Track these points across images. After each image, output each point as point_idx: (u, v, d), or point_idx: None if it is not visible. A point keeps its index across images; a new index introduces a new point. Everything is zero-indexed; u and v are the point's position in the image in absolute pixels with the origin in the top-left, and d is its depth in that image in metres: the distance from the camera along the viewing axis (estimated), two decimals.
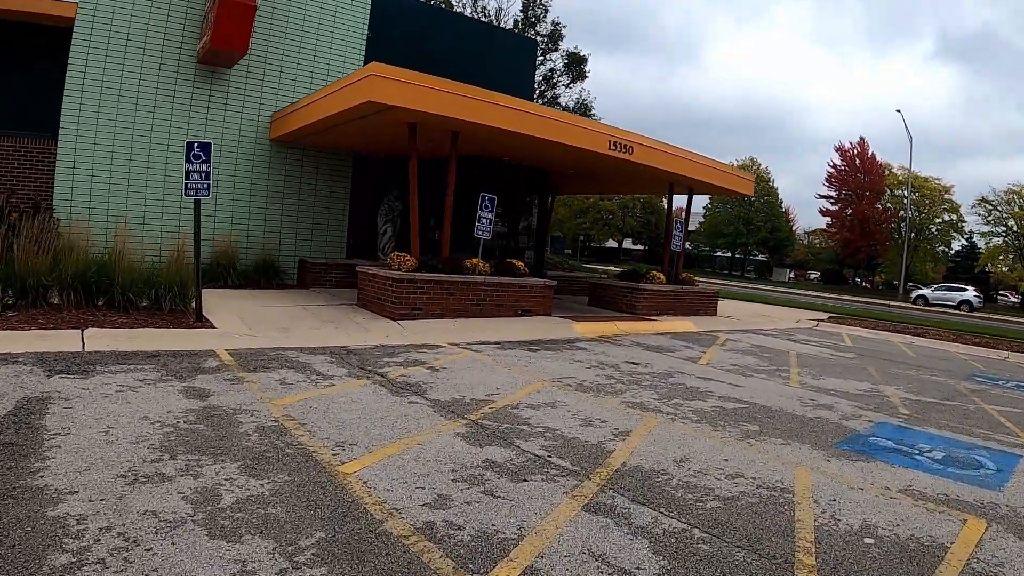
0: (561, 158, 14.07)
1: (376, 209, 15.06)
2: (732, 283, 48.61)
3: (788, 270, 74.08)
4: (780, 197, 69.00)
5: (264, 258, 13.29)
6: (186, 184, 8.39)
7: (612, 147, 12.84)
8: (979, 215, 53.57)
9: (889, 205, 61.62)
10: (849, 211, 62.40)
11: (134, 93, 12.24)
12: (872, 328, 18.41)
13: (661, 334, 12.88)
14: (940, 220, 59.51)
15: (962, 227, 57.95)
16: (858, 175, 63.23)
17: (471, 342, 9.50)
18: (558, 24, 34.55)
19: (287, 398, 5.67)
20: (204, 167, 8.41)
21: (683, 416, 6.33)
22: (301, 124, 11.87)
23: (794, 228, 74.19)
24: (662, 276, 15.89)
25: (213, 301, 10.16)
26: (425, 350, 8.54)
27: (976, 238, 58.14)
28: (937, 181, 57.66)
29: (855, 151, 64.09)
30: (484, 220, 11.48)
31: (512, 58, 18.65)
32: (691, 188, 17.10)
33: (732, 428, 6.03)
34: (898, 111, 66.93)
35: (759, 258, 74.95)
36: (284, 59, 13.71)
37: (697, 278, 21.75)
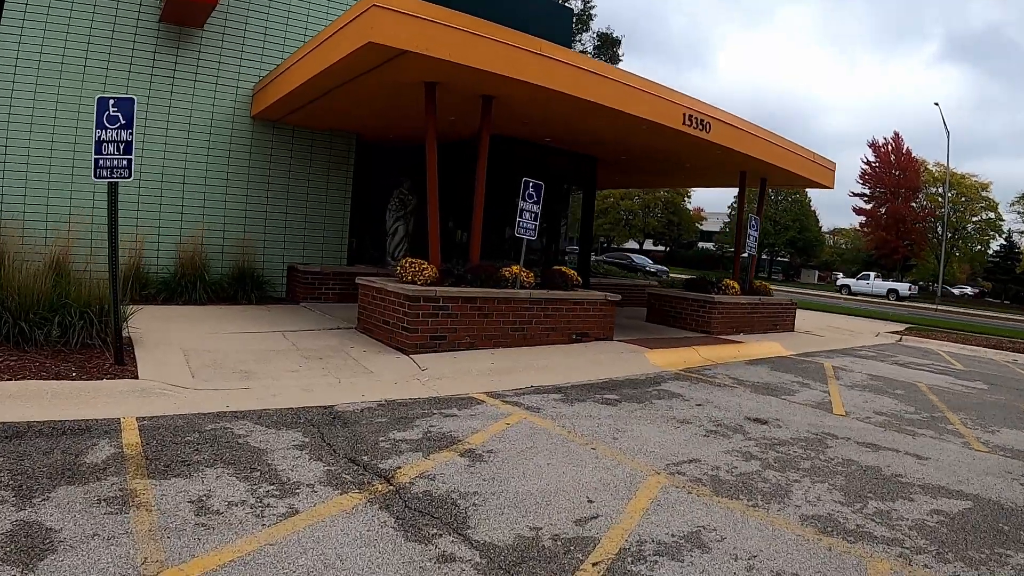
0: (615, 138, 11.15)
1: (384, 204, 12.19)
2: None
3: (816, 271, 70.94)
4: (808, 196, 65.86)
5: (242, 265, 10.46)
6: (96, 160, 5.55)
7: (687, 122, 9.97)
8: (1018, 212, 50.93)
9: (926, 203, 59.09)
10: (883, 210, 59.68)
11: (80, 63, 9.45)
12: (962, 343, 16.20)
13: (754, 362, 9.99)
14: (977, 218, 57.25)
15: (1000, 226, 55.28)
16: (893, 172, 60.24)
17: (520, 389, 6.61)
18: (589, 2, 31.50)
19: (194, 562, 2.78)
20: (124, 135, 5.59)
21: (914, 547, 3.51)
22: (288, 89, 9.01)
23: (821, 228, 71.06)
24: (736, 285, 12.98)
25: (157, 328, 7.33)
26: (455, 409, 5.65)
27: (1016, 237, 55.78)
28: (974, 178, 54.81)
29: (889, 147, 61.08)
30: (528, 214, 8.56)
31: (546, 27, 15.71)
32: (765, 177, 14.19)
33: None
34: (936, 104, 63.36)
35: (782, 259, 71.87)
36: (270, 17, 10.88)
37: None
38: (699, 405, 6.76)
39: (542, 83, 7.82)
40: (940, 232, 51.56)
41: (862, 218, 61.63)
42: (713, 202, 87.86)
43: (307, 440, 4.51)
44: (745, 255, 13.79)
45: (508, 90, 8.10)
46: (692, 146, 10.95)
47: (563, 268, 9.61)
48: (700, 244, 71.60)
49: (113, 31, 9.63)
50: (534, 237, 8.80)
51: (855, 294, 44.89)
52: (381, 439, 4.68)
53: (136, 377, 5.45)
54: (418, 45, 6.74)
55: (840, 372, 9.82)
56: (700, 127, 10.28)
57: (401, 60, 7.07)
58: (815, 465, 5.02)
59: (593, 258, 21.75)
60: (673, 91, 9.84)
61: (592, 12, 30.88)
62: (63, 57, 9.42)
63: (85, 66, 9.55)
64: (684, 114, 9.95)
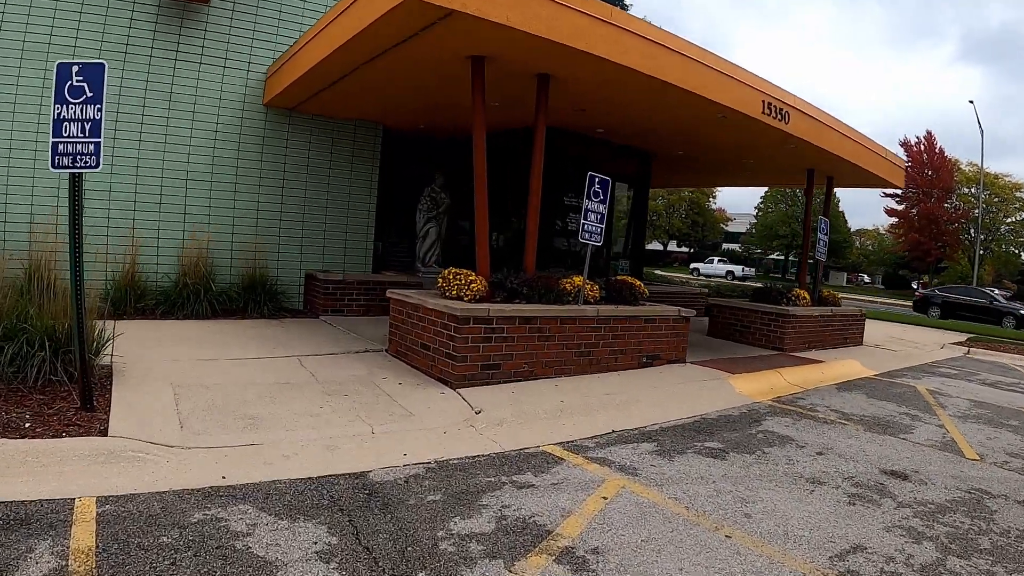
0: (680, 129, 9.70)
1: (414, 204, 10.81)
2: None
3: (845, 273, 69.00)
4: (837, 196, 63.87)
5: (254, 273, 9.12)
6: (55, 145, 4.22)
7: (766, 111, 8.54)
8: None
9: (959, 203, 57.48)
10: (914, 211, 57.90)
11: (69, 42, 8.18)
12: None
13: (844, 387, 8.58)
14: (1012, 220, 55.53)
15: None
16: (926, 172, 58.27)
17: (601, 437, 5.19)
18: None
19: None
20: (91, 111, 4.24)
21: None
22: (307, 67, 7.65)
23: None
24: (806, 295, 11.50)
25: (146, 353, 5.99)
26: (529, 474, 4.24)
27: None
28: (1008, 178, 53.10)
29: (922, 146, 59.11)
30: (593, 216, 7.13)
31: None
32: (831, 176, 12.71)
33: None
34: (971, 102, 60.98)
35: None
36: None
37: (735, 281, 17.34)
38: (820, 454, 5.35)
39: (612, 58, 6.40)
40: (973, 234, 50.19)
41: (893, 219, 59.77)
42: (736, 203, 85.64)
43: (334, 542, 3.11)
44: (821, 259, 12.31)
45: (569, 68, 6.71)
46: (763, 138, 9.50)
47: (628, 278, 8.16)
48: (725, 245, 69.75)
49: (107, 7, 8.33)
50: (600, 242, 7.37)
51: (705, 275, 51.06)
52: (440, 534, 3.27)
53: (106, 430, 4.09)
54: (468, 3, 5.34)
55: (939, 398, 8.40)
56: (779, 117, 8.84)
57: (445, 25, 5.68)
58: (996, 544, 3.73)
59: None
60: (752, 74, 8.39)
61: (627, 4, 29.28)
62: (50, 37, 8.15)
63: (75, 47, 8.26)
64: (764, 101, 8.51)
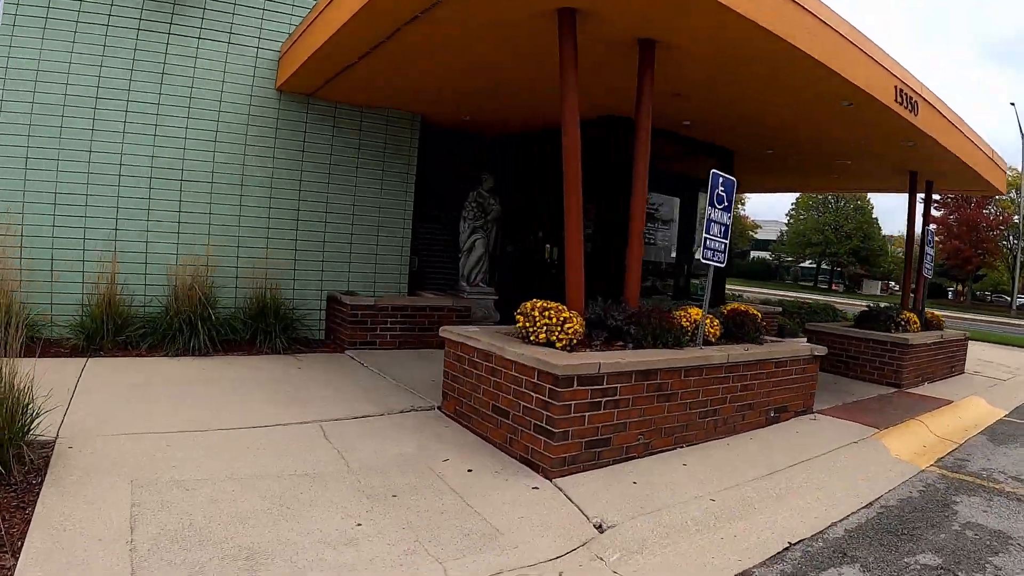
0: (785, 118, 7.86)
1: (458, 211, 9.02)
2: (837, 299, 41.60)
3: (880, 282, 66.64)
4: (871, 202, 61.66)
5: (263, 295, 7.36)
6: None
7: (898, 98, 6.81)
8: None
9: (999, 209, 55.52)
10: (952, 217, 55.77)
11: (39, 16, 6.55)
12: None
13: (991, 437, 6.93)
14: None
15: None
16: None
17: (783, 560, 3.34)
18: None
19: None
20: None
21: None
22: (331, 31, 5.89)
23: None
24: (916, 319, 9.64)
25: (107, 418, 4.23)
26: None
27: None
28: None
29: None
30: (717, 228, 5.29)
31: None
32: (933, 179, 10.87)
33: None
34: (1012, 104, 58.35)
35: (834, 268, 67.75)
36: None
37: (778, 292, 15.28)
38: None
39: (738, 7, 4.61)
40: (1013, 241, 48.57)
41: (933, 226, 57.63)
42: (758, 210, 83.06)
43: None
44: (928, 275, 10.40)
45: (681, 27, 4.99)
46: (879, 131, 7.74)
47: (743, 307, 6.32)
48: (753, 253, 67.64)
49: None
50: (723, 262, 5.52)
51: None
52: None
53: None
54: None
55: None
56: (909, 107, 7.09)
57: None
58: None
59: None
60: (883, 51, 6.60)
61: None
62: (17, 7, 6.50)
63: (46, 18, 6.60)
64: (896, 87, 6.77)
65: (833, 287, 62.04)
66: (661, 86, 6.49)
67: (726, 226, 5.46)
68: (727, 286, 13.19)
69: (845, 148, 9.22)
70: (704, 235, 5.38)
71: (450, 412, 5.18)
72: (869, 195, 63.56)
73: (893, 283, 67.72)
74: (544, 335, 4.59)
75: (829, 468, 4.97)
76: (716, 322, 5.60)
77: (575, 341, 4.65)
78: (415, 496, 3.61)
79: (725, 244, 5.52)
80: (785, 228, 61.07)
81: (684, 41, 5.28)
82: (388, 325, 7.51)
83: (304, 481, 3.66)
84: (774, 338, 6.88)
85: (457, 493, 3.70)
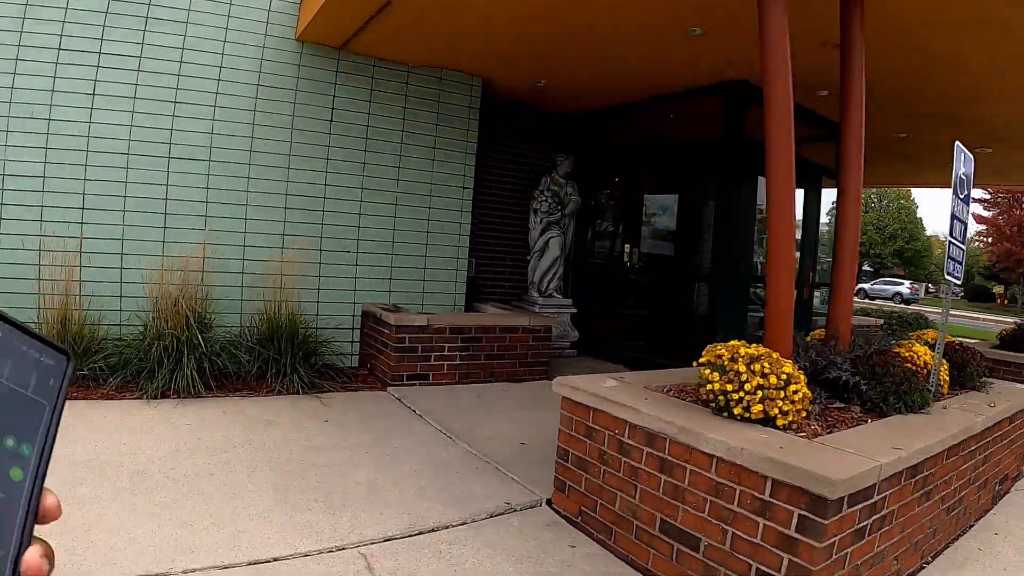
0: (964, 87, 5.81)
1: (525, 202, 7.08)
2: (898, 306, 39.34)
3: (924, 284, 63.85)
4: (915, 202, 59.00)
5: (277, 312, 5.44)
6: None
7: None
8: None
9: None
10: (1002, 218, 53.03)
11: None
12: None
13: None
14: None
15: None
16: None
17: None
18: None
19: None
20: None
21: None
22: None
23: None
24: None
25: None
26: None
27: None
28: None
29: None
30: (959, 229, 3.42)
31: None
32: None
33: None
34: None
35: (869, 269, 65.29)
36: None
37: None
38: None
39: None
40: None
41: (982, 226, 54.72)
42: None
43: None
44: None
45: None
46: None
47: (958, 342, 4.34)
48: None
49: None
50: (961, 279, 3.57)
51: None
52: None
53: None
54: None
55: None
56: None
57: None
58: None
59: None
60: None
61: None
62: None
63: None
64: None
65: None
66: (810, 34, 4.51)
67: (966, 225, 3.51)
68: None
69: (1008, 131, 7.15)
70: (948, 238, 3.44)
71: (571, 514, 3.21)
72: (913, 194, 61.14)
73: (931, 286, 64.88)
74: (760, 406, 2.64)
75: None
76: (945, 366, 3.67)
77: (803, 415, 2.72)
78: None
79: (964, 252, 3.60)
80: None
81: None
82: (445, 353, 5.54)
83: None
84: (989, 379, 4.86)
85: None
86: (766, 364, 2.76)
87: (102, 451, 3.54)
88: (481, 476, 3.63)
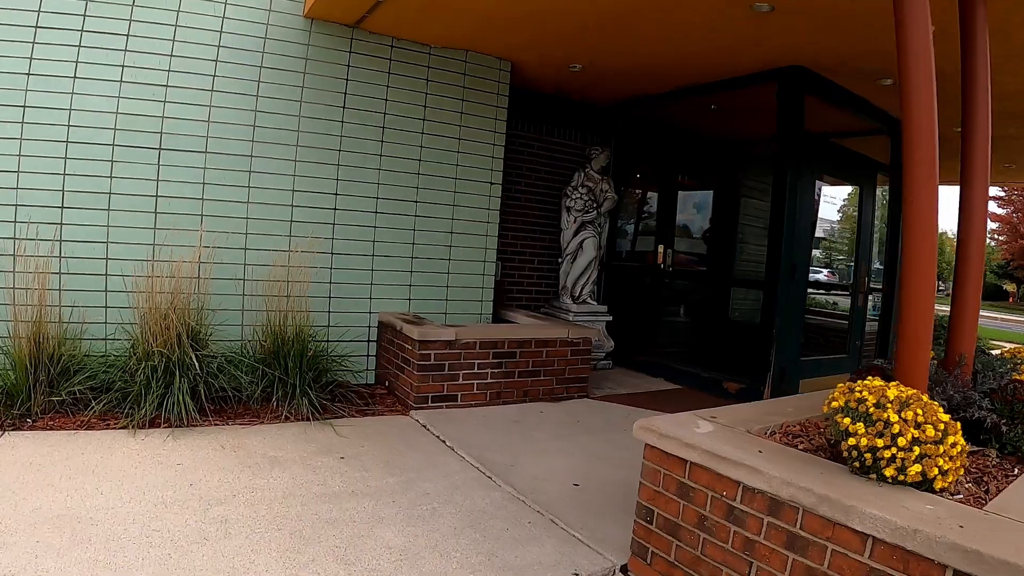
0: None
1: (553, 199, 6.43)
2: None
3: (938, 283, 63.19)
4: None
5: (282, 325, 4.79)
6: None
7: None
8: None
9: None
10: (1017, 216, 52.33)
11: None
12: None
13: None
14: None
15: None
16: None
17: None
18: None
19: None
20: None
21: None
22: None
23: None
24: None
25: None
26: None
27: None
28: None
29: None
30: None
31: None
32: None
33: None
34: None
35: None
36: None
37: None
38: None
39: None
40: None
41: (996, 224, 53.95)
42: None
43: None
44: None
45: None
46: None
47: None
48: None
49: None
50: None
51: None
52: None
53: None
54: None
55: None
56: None
57: None
58: None
59: None
60: None
61: None
62: None
63: None
64: None
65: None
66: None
67: None
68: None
69: None
70: None
71: None
72: None
73: (940, 284, 64.54)
74: (918, 466, 2.00)
75: None
76: None
77: (961, 471, 2.07)
78: None
79: None
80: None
81: None
82: (475, 370, 4.88)
83: None
84: None
85: None
86: (919, 411, 2.11)
87: (75, 503, 2.90)
88: (534, 532, 2.96)
